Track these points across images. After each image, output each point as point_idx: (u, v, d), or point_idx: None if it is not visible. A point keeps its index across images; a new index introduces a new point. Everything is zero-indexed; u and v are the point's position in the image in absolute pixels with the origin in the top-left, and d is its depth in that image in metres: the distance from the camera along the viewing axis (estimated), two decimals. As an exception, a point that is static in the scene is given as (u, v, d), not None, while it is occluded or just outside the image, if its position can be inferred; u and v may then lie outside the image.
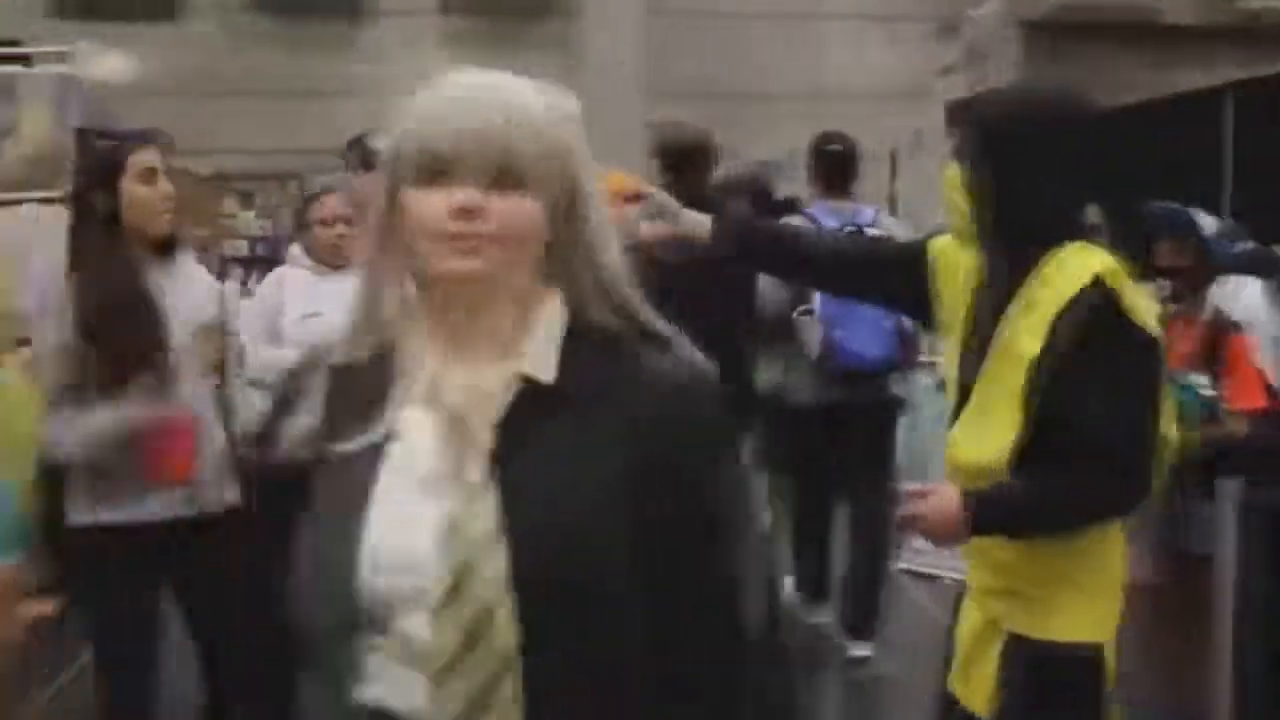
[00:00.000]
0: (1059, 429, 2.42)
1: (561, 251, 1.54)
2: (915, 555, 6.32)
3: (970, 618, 2.69)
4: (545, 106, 1.53)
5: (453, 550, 1.46)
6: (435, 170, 1.49)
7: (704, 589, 1.53)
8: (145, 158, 3.09)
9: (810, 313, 5.17)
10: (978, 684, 2.62)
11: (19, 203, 5.46)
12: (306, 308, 4.08)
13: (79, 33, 14.19)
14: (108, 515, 3.03)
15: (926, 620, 5.68)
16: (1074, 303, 2.42)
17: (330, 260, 4.17)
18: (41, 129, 5.53)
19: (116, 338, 2.99)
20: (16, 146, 5.50)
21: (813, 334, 5.16)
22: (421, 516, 1.49)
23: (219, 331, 3.35)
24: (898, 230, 5.40)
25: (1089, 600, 2.55)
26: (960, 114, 2.62)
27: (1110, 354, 2.41)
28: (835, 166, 5.52)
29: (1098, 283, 2.43)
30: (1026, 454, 2.47)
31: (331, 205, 4.16)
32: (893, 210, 10.81)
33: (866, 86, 15.31)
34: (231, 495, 3.27)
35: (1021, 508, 2.52)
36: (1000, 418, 2.49)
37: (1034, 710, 2.54)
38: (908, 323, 5.05)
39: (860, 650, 5.50)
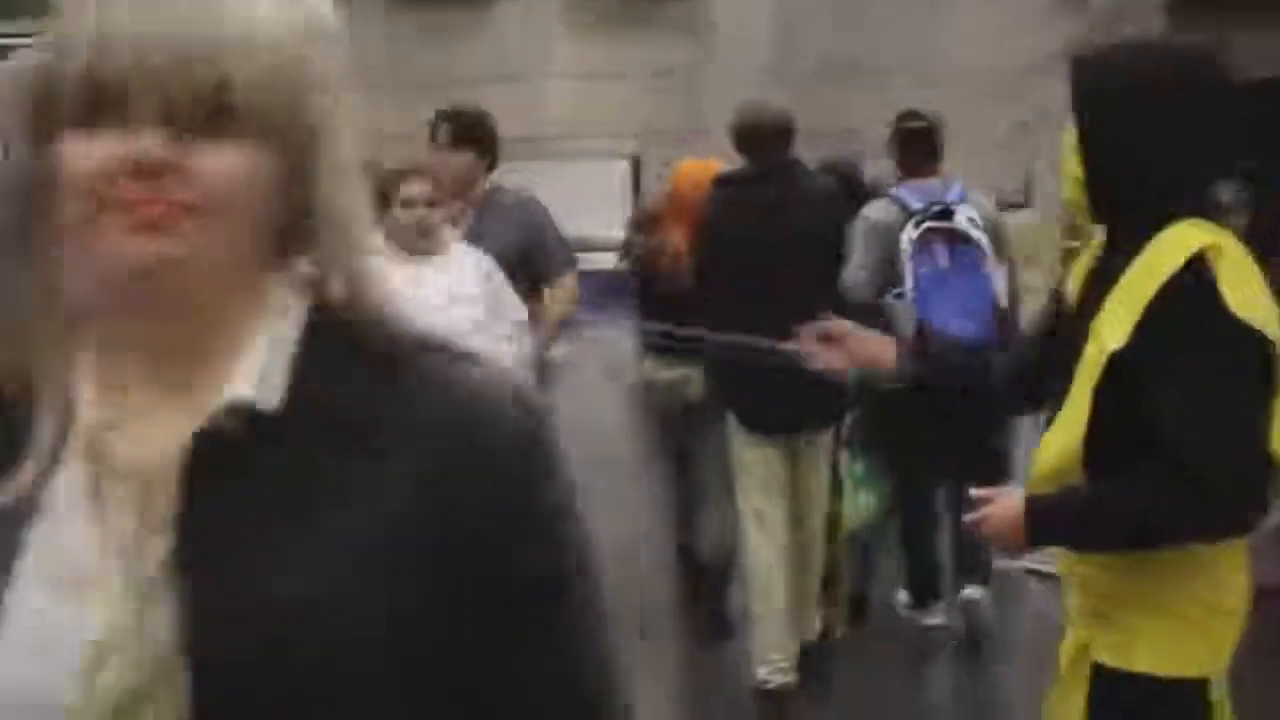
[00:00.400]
0: (1137, 431, 2.15)
1: (296, 224, 1.06)
2: (1041, 553, 6.04)
3: (1068, 636, 2.44)
4: (274, 10, 1.04)
5: (104, 686, 0.97)
6: (100, 104, 0.99)
7: (529, 683, 1.06)
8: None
9: (901, 295, 5.01)
10: (1066, 711, 2.35)
11: None
12: None
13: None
14: None
15: (1048, 623, 5.39)
16: (1165, 287, 2.12)
17: (410, 245, 4.06)
18: None
19: None
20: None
21: (906, 317, 4.97)
22: (60, 635, 0.99)
23: None
24: (986, 206, 5.28)
25: (1187, 629, 2.24)
26: (1076, 70, 2.31)
27: (1198, 347, 2.12)
28: (917, 144, 5.36)
29: (1193, 263, 2.13)
30: (1104, 459, 2.19)
31: (415, 185, 4.02)
32: (1028, 191, 10.43)
33: (994, 62, 14.85)
34: None
35: (1080, 518, 2.28)
36: (1070, 415, 2.22)
37: None
38: (1003, 301, 4.94)
39: (974, 592, 5.47)
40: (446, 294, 4.00)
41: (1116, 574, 2.28)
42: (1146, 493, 2.18)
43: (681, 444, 5.50)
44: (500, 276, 4.21)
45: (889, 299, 5.01)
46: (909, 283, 4.97)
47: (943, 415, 4.87)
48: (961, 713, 5.23)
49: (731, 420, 4.80)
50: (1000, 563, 5.73)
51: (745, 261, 4.71)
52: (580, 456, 1.45)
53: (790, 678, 4.79)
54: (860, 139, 13.30)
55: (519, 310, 4.23)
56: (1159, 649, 2.23)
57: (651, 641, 5.19)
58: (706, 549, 5.52)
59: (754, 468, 4.76)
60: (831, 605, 5.22)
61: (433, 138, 4.56)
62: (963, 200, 5.08)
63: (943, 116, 5.57)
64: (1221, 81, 2.31)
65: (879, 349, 2.64)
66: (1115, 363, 2.15)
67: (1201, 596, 2.25)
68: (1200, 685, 2.25)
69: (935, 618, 5.58)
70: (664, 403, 5.45)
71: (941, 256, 4.95)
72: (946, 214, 5.00)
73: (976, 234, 4.95)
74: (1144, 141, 2.22)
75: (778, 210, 4.78)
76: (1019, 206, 8.39)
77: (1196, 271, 2.13)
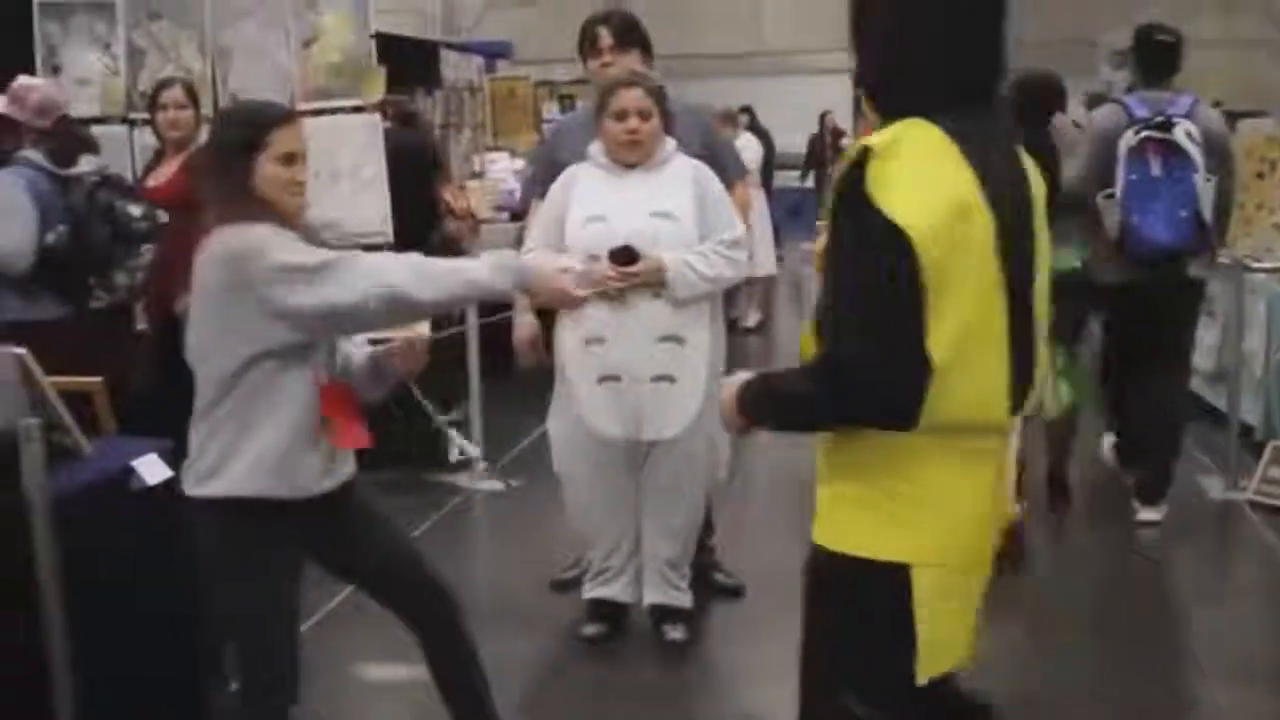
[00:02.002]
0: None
1: None
2: (1266, 486, 5.97)
3: None
4: None
5: None
6: None
7: None
8: (288, 138, 2.94)
9: (1111, 196, 5.28)
10: None
11: (327, 112, 5.69)
12: (591, 210, 3.98)
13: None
14: (280, 489, 2.88)
15: (1272, 557, 5.35)
16: (836, 184, 2.17)
17: (623, 157, 4.05)
18: (344, 37, 5.67)
19: None
20: (321, 55, 5.75)
21: (1112, 217, 5.28)
22: None
23: None
24: (1215, 123, 5.44)
25: (882, 516, 2.23)
26: None
27: (849, 241, 2.13)
28: (1158, 56, 5.53)
29: (858, 160, 2.12)
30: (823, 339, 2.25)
31: (626, 98, 4.00)
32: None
33: None
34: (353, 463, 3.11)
35: (772, 400, 2.33)
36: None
37: (809, 618, 2.39)
38: (1206, 213, 5.22)
39: (1150, 515, 5.62)
40: (656, 206, 3.99)
41: (824, 459, 2.32)
42: (807, 377, 2.23)
43: None
44: (719, 190, 4.13)
45: (1099, 198, 5.31)
46: (1120, 186, 5.25)
47: (1142, 310, 5.45)
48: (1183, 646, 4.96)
49: None
50: (1221, 494, 5.91)
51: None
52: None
53: None
54: (1081, 47, 12.97)
55: (735, 227, 4.12)
56: (858, 532, 2.25)
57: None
58: None
59: None
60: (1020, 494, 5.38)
61: (584, 49, 4.56)
62: (1187, 115, 5.27)
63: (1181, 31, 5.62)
64: None
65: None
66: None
67: (894, 488, 2.23)
68: (903, 570, 2.22)
69: (1152, 514, 5.61)
70: None
71: (1154, 165, 5.23)
72: (1166, 125, 5.22)
73: (1191, 148, 5.18)
74: (897, 41, 2.22)
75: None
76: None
77: (857, 168, 2.11)
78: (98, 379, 3.60)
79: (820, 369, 2.20)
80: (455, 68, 11.54)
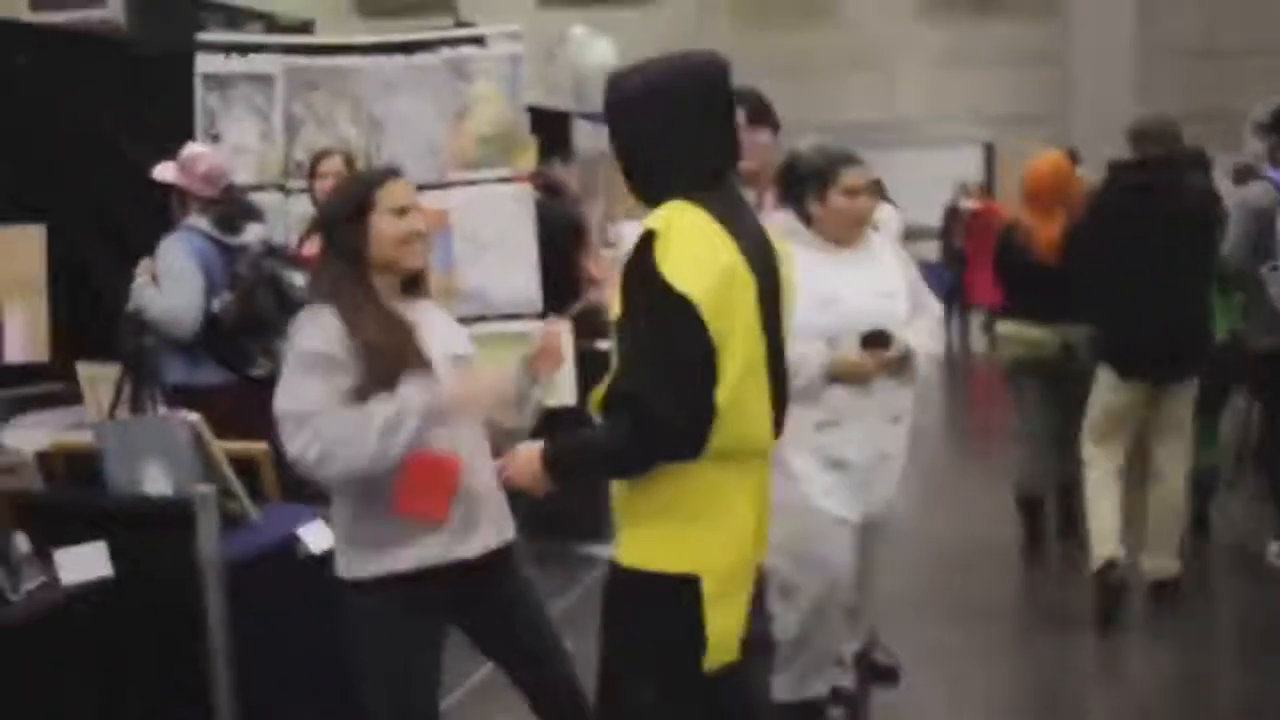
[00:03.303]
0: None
1: None
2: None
3: None
4: None
5: None
6: None
7: None
8: (396, 192, 2.97)
9: (1276, 268, 5.62)
10: None
11: (477, 183, 5.70)
12: (822, 291, 3.76)
13: (567, 20, 15.12)
14: (399, 563, 2.91)
15: None
16: (627, 261, 2.57)
17: (846, 236, 3.90)
18: (495, 108, 5.69)
19: (387, 370, 2.85)
20: (474, 126, 5.76)
21: (1277, 287, 5.62)
22: None
23: (471, 367, 3.10)
24: None
25: (662, 533, 2.64)
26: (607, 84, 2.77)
27: (642, 309, 2.54)
28: None
29: (645, 239, 2.53)
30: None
31: (855, 175, 3.86)
32: None
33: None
34: (507, 531, 3.12)
35: (579, 457, 2.70)
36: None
37: (609, 628, 2.75)
38: None
39: None
40: (880, 286, 3.89)
41: (621, 489, 2.71)
42: (611, 430, 2.61)
43: (1034, 397, 6.19)
44: (915, 271, 4.08)
45: (1264, 270, 5.64)
46: None
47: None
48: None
49: (1105, 368, 5.45)
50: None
51: (1130, 239, 5.31)
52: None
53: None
54: (1225, 118, 12.70)
55: (936, 303, 4.10)
56: (653, 550, 2.65)
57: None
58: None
59: (1116, 408, 5.43)
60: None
61: None
62: None
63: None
64: (713, 87, 2.67)
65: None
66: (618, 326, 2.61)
67: (683, 509, 2.63)
68: (693, 579, 2.62)
69: None
70: (1020, 358, 6.11)
71: None
72: None
73: None
74: (647, 137, 2.64)
75: (1159, 196, 5.33)
76: None
77: (644, 246, 2.52)
78: (263, 445, 3.63)
79: (623, 422, 2.56)
80: (587, 137, 11.63)
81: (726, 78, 2.70)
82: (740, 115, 4.38)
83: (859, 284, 3.86)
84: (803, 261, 3.72)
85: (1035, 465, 6.32)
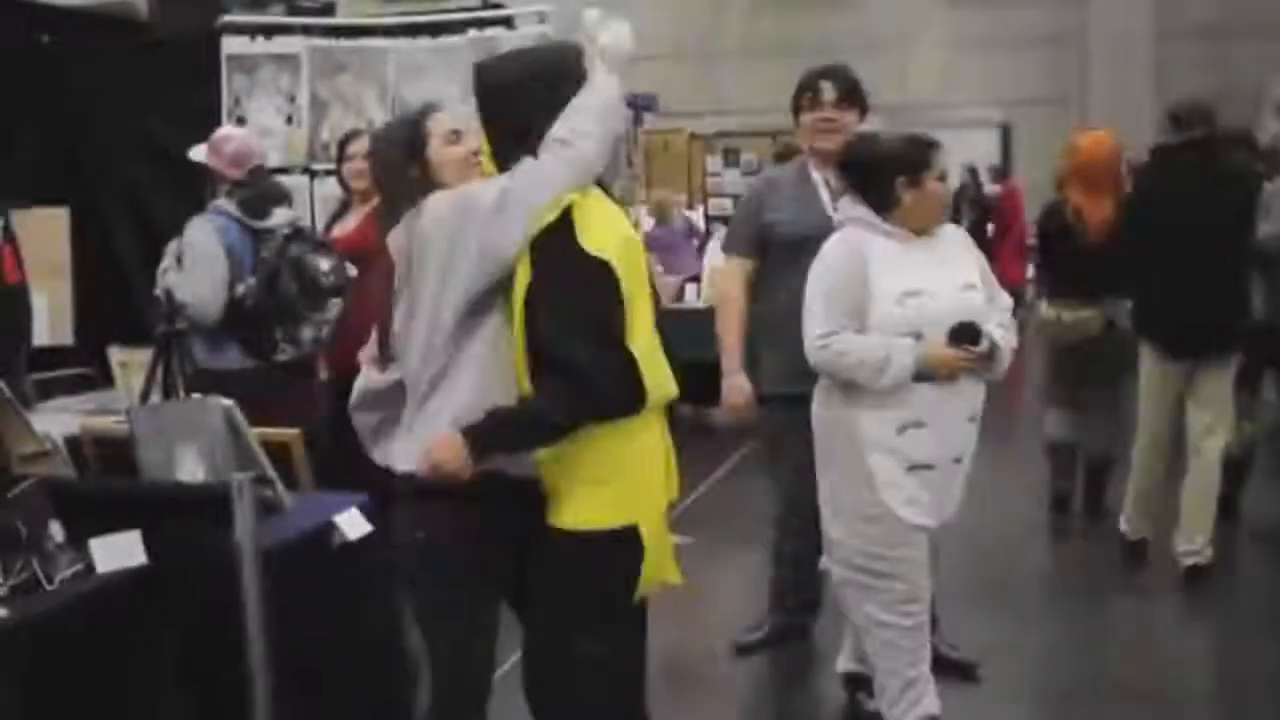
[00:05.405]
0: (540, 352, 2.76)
1: None
2: None
3: None
4: None
5: None
6: None
7: None
8: (444, 119, 2.99)
9: None
10: None
11: None
12: (906, 284, 3.54)
13: (583, 2, 15.06)
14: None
15: None
16: (539, 235, 2.75)
17: (929, 223, 3.67)
18: None
19: None
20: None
21: None
22: None
23: None
24: None
25: (593, 489, 2.82)
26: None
27: (565, 276, 2.74)
28: None
29: (563, 213, 2.76)
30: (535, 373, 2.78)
31: (939, 159, 3.66)
32: None
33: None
34: None
35: (509, 428, 2.80)
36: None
37: (550, 589, 2.91)
38: None
39: None
40: (961, 278, 3.64)
41: (552, 456, 2.83)
42: (550, 398, 2.75)
43: (1078, 370, 6.29)
44: (984, 261, 3.86)
45: None
46: None
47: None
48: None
49: (1146, 347, 5.59)
50: None
51: (1170, 221, 5.38)
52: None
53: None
54: (1246, 99, 12.62)
55: (1005, 296, 3.86)
56: (596, 509, 2.83)
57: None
58: (1092, 453, 6.46)
59: (1158, 384, 5.56)
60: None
61: (803, 101, 4.42)
62: None
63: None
64: (573, 72, 2.88)
65: None
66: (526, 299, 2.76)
67: (618, 462, 2.83)
68: (633, 529, 2.83)
69: None
70: (1066, 337, 6.18)
71: None
72: None
73: None
74: (526, 115, 2.83)
75: (1199, 176, 5.38)
76: None
77: (563, 220, 2.76)
78: (296, 431, 3.59)
79: (559, 387, 2.73)
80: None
81: (581, 65, 2.92)
82: (830, 93, 4.31)
83: (941, 276, 3.62)
84: (879, 252, 3.58)
85: (1067, 417, 6.48)
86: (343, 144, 5.20)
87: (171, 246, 4.73)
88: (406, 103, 5.71)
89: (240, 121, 5.57)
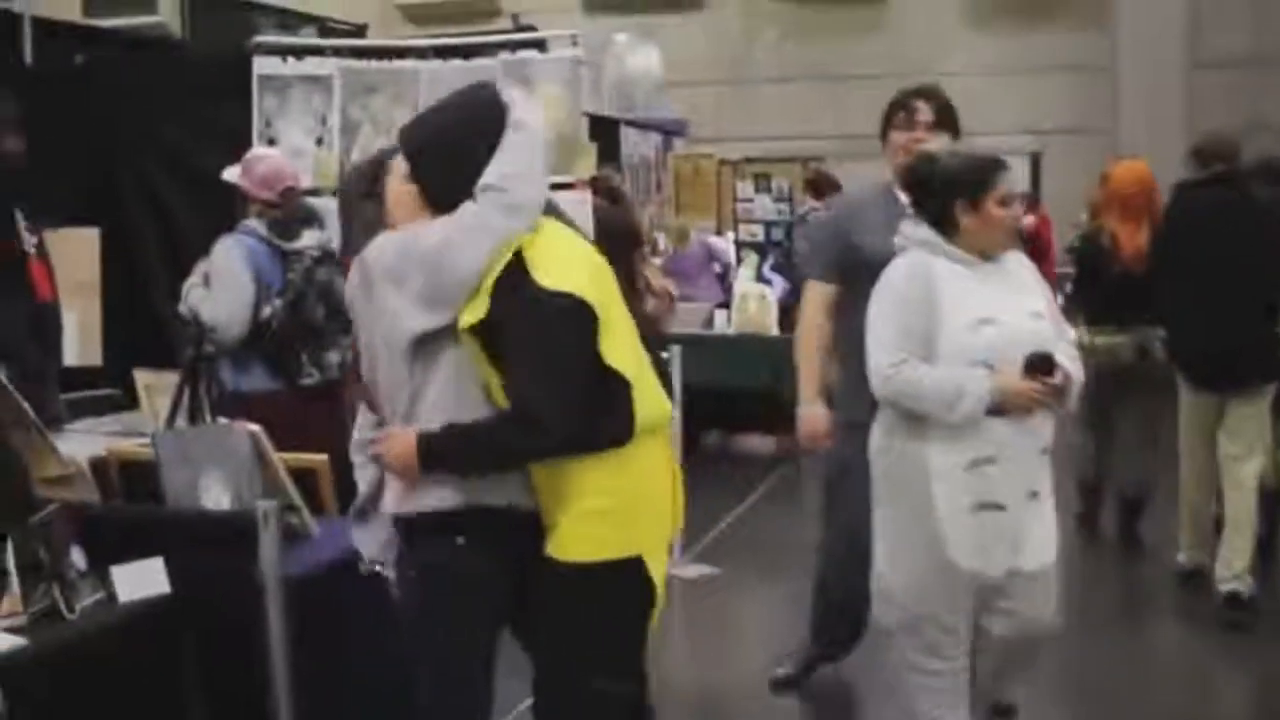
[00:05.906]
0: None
1: None
2: None
3: None
4: None
5: None
6: None
7: None
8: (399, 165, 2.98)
9: None
10: None
11: None
12: (977, 310, 3.36)
13: (612, 27, 15.04)
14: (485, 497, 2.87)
15: None
16: (499, 274, 2.74)
17: (994, 248, 3.49)
18: (556, 113, 5.53)
19: None
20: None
21: None
22: None
23: None
24: None
25: (589, 524, 2.78)
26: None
27: (521, 312, 2.72)
28: None
29: (517, 252, 2.75)
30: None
31: (1006, 180, 3.51)
32: None
33: None
34: None
35: (459, 448, 2.78)
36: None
37: (559, 625, 2.86)
38: None
39: None
40: (1030, 305, 3.47)
41: (550, 486, 2.82)
42: (499, 424, 2.76)
43: (1109, 398, 6.31)
44: (1049, 288, 3.71)
45: None
46: None
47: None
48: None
49: (1181, 378, 5.65)
50: None
51: (1197, 256, 5.42)
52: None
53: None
54: (1275, 128, 12.52)
55: (1069, 326, 3.76)
56: (601, 540, 2.79)
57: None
58: (1126, 485, 6.49)
59: (1193, 415, 5.61)
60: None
61: (896, 120, 4.27)
62: None
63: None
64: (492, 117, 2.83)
65: None
66: (485, 329, 2.75)
67: (620, 490, 2.79)
68: (638, 561, 2.80)
69: None
70: (1099, 363, 6.10)
71: None
72: None
73: None
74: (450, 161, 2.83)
75: (1224, 211, 5.43)
76: None
77: (516, 259, 2.74)
78: (323, 456, 3.54)
79: (511, 423, 2.75)
80: (635, 145, 11.56)
81: (501, 105, 2.87)
82: (927, 114, 4.20)
83: (1010, 303, 3.43)
84: (946, 276, 3.41)
85: (1096, 454, 6.55)
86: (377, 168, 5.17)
87: (200, 266, 4.69)
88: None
89: (271, 142, 5.54)
